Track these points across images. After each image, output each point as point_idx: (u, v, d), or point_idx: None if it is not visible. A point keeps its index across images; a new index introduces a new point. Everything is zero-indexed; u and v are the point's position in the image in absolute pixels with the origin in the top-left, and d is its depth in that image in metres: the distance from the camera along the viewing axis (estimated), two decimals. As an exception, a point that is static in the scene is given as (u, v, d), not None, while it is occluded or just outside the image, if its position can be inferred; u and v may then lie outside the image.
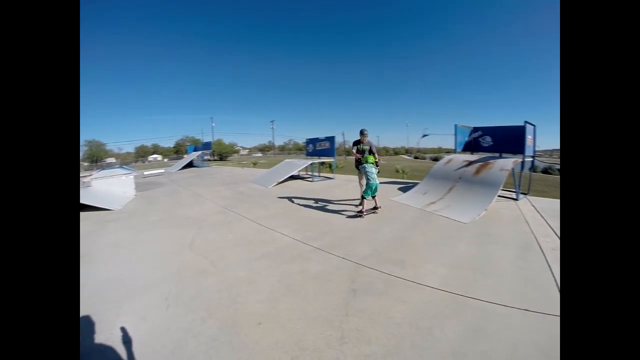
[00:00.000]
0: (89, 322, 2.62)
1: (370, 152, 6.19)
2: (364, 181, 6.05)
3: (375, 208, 5.94)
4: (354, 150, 6.36)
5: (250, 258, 3.81)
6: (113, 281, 3.43)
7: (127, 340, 2.35)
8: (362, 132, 6.27)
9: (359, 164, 6.18)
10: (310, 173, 11.53)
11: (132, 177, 10.28)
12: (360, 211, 5.72)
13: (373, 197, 5.84)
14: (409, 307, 2.54)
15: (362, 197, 5.74)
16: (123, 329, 2.48)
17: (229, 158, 42.78)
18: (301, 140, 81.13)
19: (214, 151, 39.42)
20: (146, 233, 5.32)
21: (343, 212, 5.98)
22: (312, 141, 11.98)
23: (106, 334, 2.43)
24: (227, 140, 56.60)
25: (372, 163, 5.92)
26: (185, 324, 2.50)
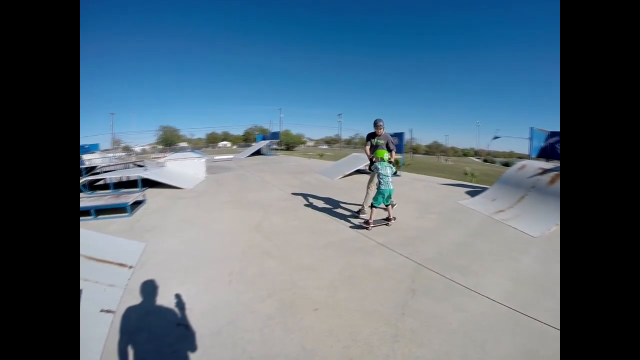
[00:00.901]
0: (153, 286, 2.95)
1: (388, 148, 5.16)
2: (374, 185, 4.99)
3: (388, 219, 4.86)
4: (367, 148, 5.37)
5: (313, 246, 3.96)
6: (180, 253, 3.81)
7: (186, 307, 2.61)
8: (376, 124, 5.17)
9: (372, 163, 5.09)
10: (377, 168, 11.33)
11: (203, 160, 11.11)
12: (367, 222, 4.64)
13: (386, 206, 4.81)
14: (466, 315, 2.46)
15: (372, 205, 4.68)
16: (184, 296, 2.75)
17: (296, 148, 44.02)
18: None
19: (281, 141, 41.03)
20: (215, 212, 5.79)
21: (409, 211, 5.71)
22: (381, 136, 11.77)
23: (168, 299, 2.72)
24: (294, 131, 57.42)
25: (386, 161, 4.79)
26: (245, 300, 2.70)
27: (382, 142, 5.20)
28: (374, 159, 4.97)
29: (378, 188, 4.65)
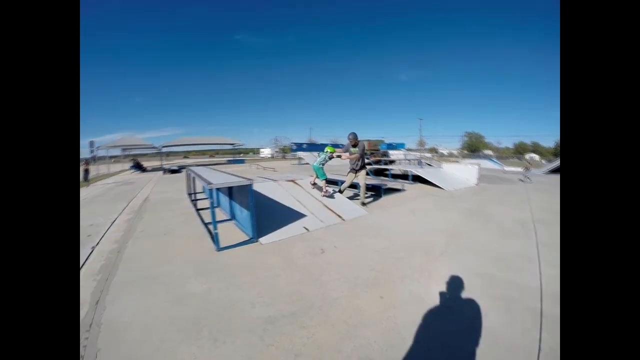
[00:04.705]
0: (349, 237, 3.74)
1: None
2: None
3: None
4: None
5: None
6: (375, 225, 4.54)
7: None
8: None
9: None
10: None
11: (477, 167, 10.93)
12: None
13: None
14: None
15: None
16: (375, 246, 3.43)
17: None
18: None
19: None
20: (439, 212, 6.04)
21: None
22: None
23: (361, 248, 3.48)
24: None
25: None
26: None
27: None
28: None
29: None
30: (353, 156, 6.31)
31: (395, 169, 11.07)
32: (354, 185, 6.85)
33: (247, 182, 3.78)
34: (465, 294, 2.68)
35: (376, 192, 7.62)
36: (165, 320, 2.29)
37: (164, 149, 21.74)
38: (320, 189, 6.16)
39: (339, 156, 6.56)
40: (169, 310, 2.42)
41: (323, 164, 6.16)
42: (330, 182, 6.61)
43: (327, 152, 6.29)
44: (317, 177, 6.20)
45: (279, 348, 1.98)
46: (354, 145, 6.41)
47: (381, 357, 1.90)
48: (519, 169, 17.32)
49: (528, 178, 12.68)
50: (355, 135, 6.32)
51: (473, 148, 59.58)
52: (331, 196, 6.02)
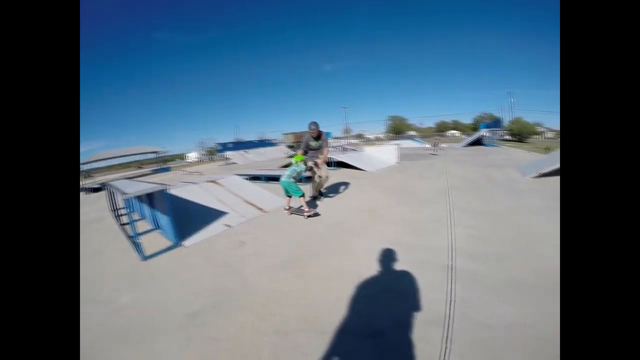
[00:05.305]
0: (271, 225, 4.00)
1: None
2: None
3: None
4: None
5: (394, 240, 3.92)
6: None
7: (283, 240, 3.53)
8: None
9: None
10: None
11: (395, 147, 11.77)
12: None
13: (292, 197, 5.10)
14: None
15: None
16: (289, 233, 3.68)
17: (530, 140, 35.92)
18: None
19: (510, 130, 35.97)
20: (364, 193, 6.49)
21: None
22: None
23: (277, 236, 3.75)
24: (530, 119, 44.85)
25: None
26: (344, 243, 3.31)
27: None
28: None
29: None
30: (326, 152, 5.48)
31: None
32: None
33: (161, 188, 3.84)
34: (382, 263, 2.98)
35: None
36: (103, 334, 2.39)
37: (85, 167, 19.66)
38: (301, 211, 4.89)
39: (315, 164, 5.39)
40: (105, 325, 2.50)
41: (295, 178, 4.99)
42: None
43: (297, 162, 5.08)
44: (288, 196, 5.04)
45: (204, 337, 2.20)
46: (317, 137, 5.41)
47: (299, 329, 2.13)
48: (430, 145, 19.31)
49: (437, 152, 14.69)
50: (317, 125, 5.29)
51: (397, 131, 62.70)
52: (316, 214, 4.84)
